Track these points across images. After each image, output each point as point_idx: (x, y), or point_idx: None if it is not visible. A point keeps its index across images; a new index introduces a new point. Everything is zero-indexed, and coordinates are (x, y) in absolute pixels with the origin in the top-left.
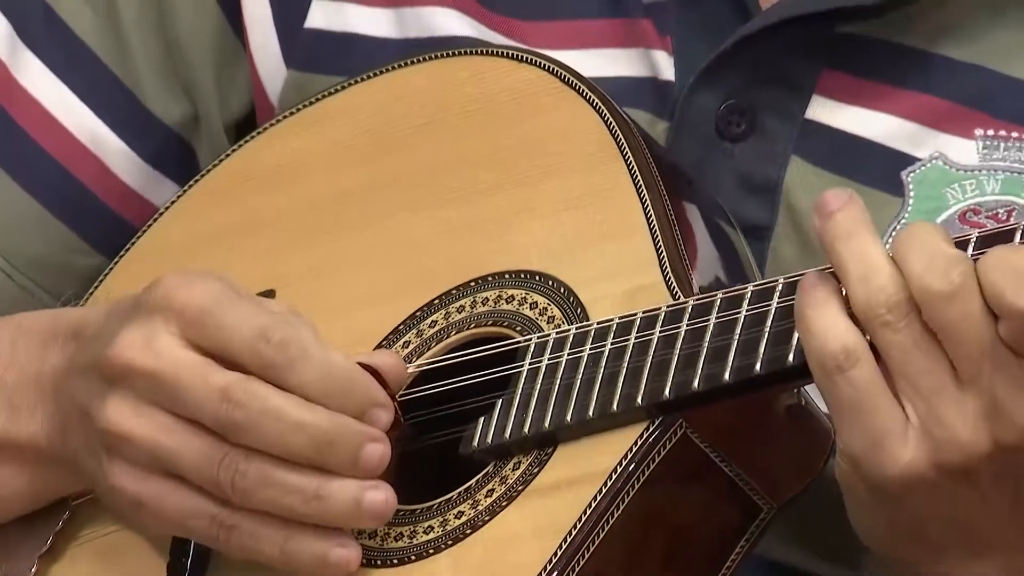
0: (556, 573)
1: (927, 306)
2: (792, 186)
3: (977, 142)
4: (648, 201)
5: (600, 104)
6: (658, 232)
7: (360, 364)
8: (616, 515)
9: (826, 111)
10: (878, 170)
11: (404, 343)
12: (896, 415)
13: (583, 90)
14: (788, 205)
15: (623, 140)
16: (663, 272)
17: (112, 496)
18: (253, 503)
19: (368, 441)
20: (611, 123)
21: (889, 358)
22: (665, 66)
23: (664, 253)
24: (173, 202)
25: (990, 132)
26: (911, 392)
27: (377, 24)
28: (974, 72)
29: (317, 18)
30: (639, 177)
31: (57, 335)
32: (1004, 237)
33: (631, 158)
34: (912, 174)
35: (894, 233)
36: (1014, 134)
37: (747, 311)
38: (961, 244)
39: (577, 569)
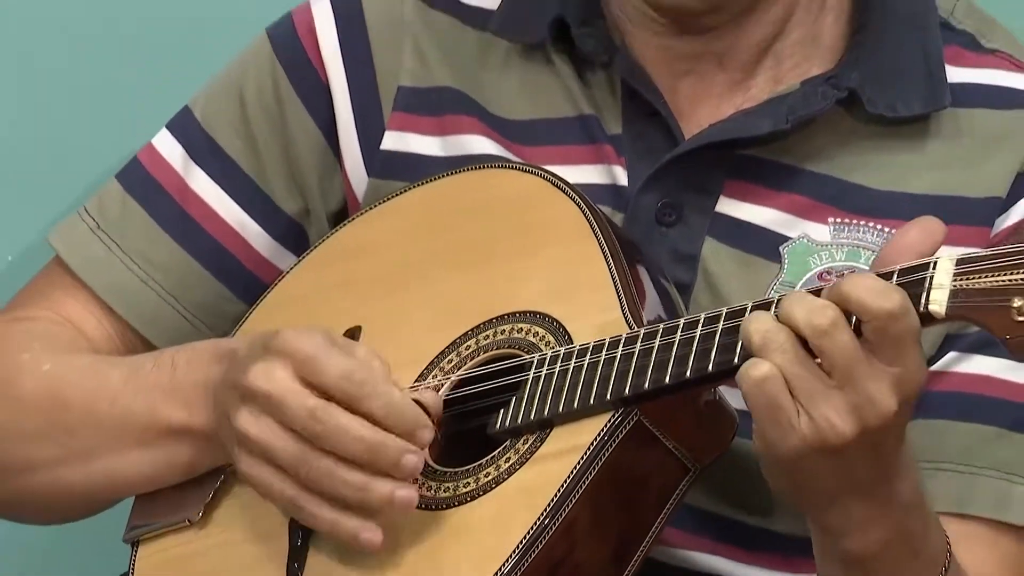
0: (553, 512)
1: (814, 338)
2: (707, 257)
3: (829, 226)
4: (612, 264)
5: (579, 199)
6: (619, 284)
7: (413, 399)
8: (593, 474)
9: (729, 207)
10: (763, 245)
11: (448, 360)
12: (791, 413)
13: (567, 190)
14: (704, 270)
15: (594, 223)
16: (623, 311)
17: (238, 473)
18: (319, 489)
19: (406, 453)
20: (586, 212)
21: (785, 376)
22: (621, 177)
23: (623, 298)
24: (292, 268)
25: (838, 219)
26: (802, 397)
27: (430, 147)
28: (828, 180)
29: (389, 143)
30: (605, 248)
31: (217, 356)
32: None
33: (600, 235)
34: (786, 248)
35: (775, 287)
36: (855, 221)
37: (681, 336)
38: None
39: (567, 509)
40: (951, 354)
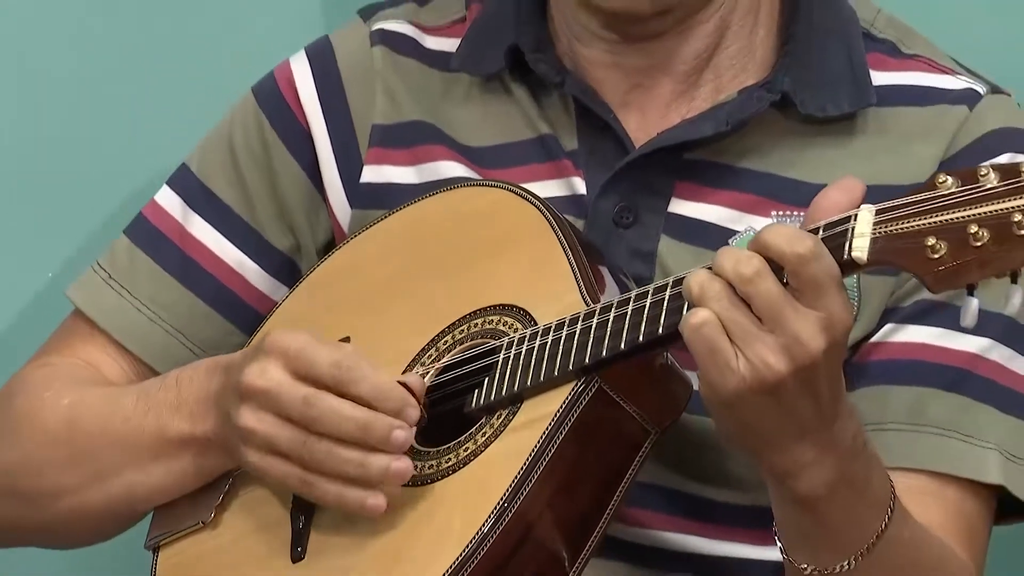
0: (526, 473)
1: (741, 285)
2: (663, 254)
3: (773, 219)
4: (570, 256)
5: (541, 207)
6: (576, 271)
7: (399, 382)
8: (559, 439)
9: (680, 206)
10: (714, 240)
11: (428, 356)
12: (729, 355)
13: (531, 199)
14: (661, 265)
15: (556, 226)
16: (580, 292)
17: (247, 467)
18: (323, 469)
19: (395, 428)
20: (548, 217)
21: (722, 320)
22: (580, 187)
23: (581, 282)
24: (286, 296)
25: (780, 212)
26: (738, 340)
27: (405, 176)
28: (766, 177)
29: (368, 176)
30: (564, 244)
31: (214, 369)
32: None
33: (560, 234)
34: (735, 240)
35: None
36: (795, 212)
37: (632, 307)
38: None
39: (539, 471)
40: (888, 326)
